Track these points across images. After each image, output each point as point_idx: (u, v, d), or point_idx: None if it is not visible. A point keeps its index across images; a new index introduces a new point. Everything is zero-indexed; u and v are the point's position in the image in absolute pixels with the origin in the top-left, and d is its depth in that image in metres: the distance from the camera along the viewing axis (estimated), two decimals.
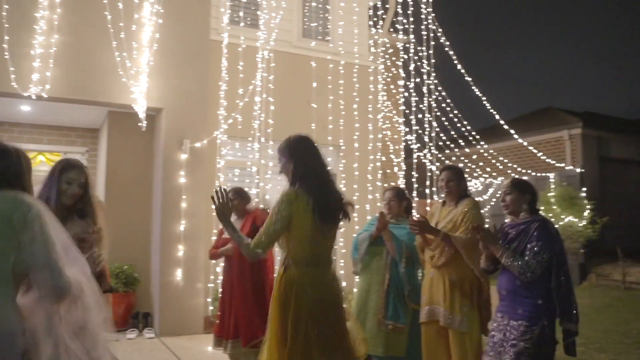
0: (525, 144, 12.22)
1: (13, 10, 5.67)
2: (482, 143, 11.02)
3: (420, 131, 8.47)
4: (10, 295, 1.85)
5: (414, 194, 7.98)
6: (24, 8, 5.74)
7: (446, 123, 9.44)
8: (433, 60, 8.30)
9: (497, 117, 10.24)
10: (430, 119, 8.39)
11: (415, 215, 4.11)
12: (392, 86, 9.87)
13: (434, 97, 8.38)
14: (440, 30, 8.43)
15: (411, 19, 8.39)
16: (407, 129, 9.12)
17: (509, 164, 12.41)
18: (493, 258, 3.23)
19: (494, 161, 12.60)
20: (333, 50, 8.35)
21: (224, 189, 2.75)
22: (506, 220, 3.40)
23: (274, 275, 4.36)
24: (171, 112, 6.47)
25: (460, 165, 9.43)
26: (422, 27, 8.27)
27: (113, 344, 2.30)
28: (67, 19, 5.96)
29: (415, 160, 8.38)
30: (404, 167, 9.40)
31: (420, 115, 8.48)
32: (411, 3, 8.30)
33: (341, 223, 2.99)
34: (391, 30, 9.85)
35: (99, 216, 2.99)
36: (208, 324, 6.33)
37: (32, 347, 1.84)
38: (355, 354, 2.84)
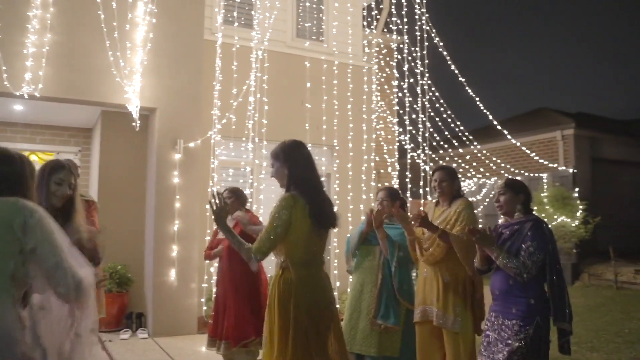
0: (518, 144, 12.28)
1: (6, 9, 5.64)
2: (475, 143, 11.06)
3: (414, 131, 8.50)
4: (10, 302, 1.83)
5: (408, 194, 7.99)
6: (16, 7, 5.71)
7: (440, 123, 9.48)
8: (427, 61, 8.32)
9: (491, 117, 10.29)
10: (424, 119, 8.41)
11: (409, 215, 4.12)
12: (386, 86, 9.90)
13: (427, 97, 8.40)
14: (434, 30, 8.46)
15: (405, 19, 8.42)
16: (401, 129, 9.16)
17: (502, 165, 12.47)
18: (487, 258, 3.24)
19: (487, 161, 12.66)
20: (327, 50, 8.36)
21: (220, 193, 2.78)
22: (500, 221, 3.41)
23: (266, 274, 4.37)
24: (165, 112, 6.45)
25: (454, 165, 9.47)
26: (416, 27, 8.29)
27: (106, 345, 2.30)
28: (60, 18, 5.93)
29: (409, 161, 8.40)
30: (397, 167, 9.43)
31: (414, 116, 8.51)
32: (405, 3, 8.32)
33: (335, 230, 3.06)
34: (385, 30, 9.87)
35: (95, 218, 2.98)
36: (202, 324, 6.32)
37: (31, 355, 1.83)
38: (347, 352, 2.92)
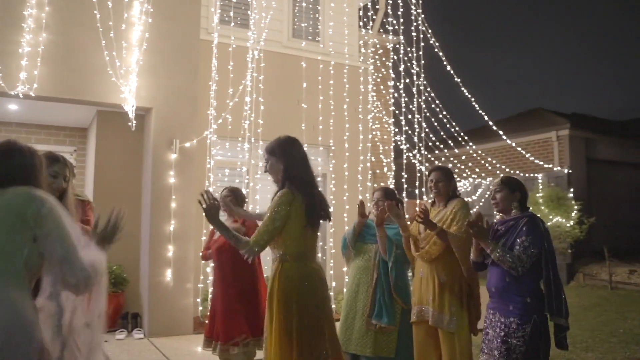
0: (513, 144, 12.32)
1: (0, 7, 5.62)
2: (470, 144, 11.09)
3: (409, 132, 8.51)
4: (26, 289, 1.86)
5: (404, 194, 8.00)
6: (12, 6, 5.69)
7: (435, 124, 9.50)
8: (423, 62, 8.34)
9: (486, 118, 10.32)
10: (420, 119, 8.43)
11: (406, 216, 4.13)
12: (381, 87, 9.91)
13: (423, 97, 8.42)
14: (429, 31, 8.48)
15: (401, 20, 8.43)
16: (397, 130, 9.17)
17: (498, 165, 12.50)
18: (482, 250, 3.27)
19: (482, 162, 12.69)
20: (323, 50, 8.36)
21: (208, 192, 2.84)
22: (497, 217, 3.43)
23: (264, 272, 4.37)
24: (161, 111, 6.44)
25: (450, 165, 9.50)
26: (412, 27, 8.31)
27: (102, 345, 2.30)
28: (56, 18, 5.91)
29: (404, 161, 8.41)
30: (393, 167, 9.45)
31: (409, 116, 8.52)
32: (401, 4, 8.33)
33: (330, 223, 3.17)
34: (381, 30, 9.88)
35: (91, 217, 2.96)
36: (197, 324, 6.32)
37: (51, 344, 1.85)
38: (339, 341, 3.05)
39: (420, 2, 8.36)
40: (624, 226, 13.01)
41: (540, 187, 11.55)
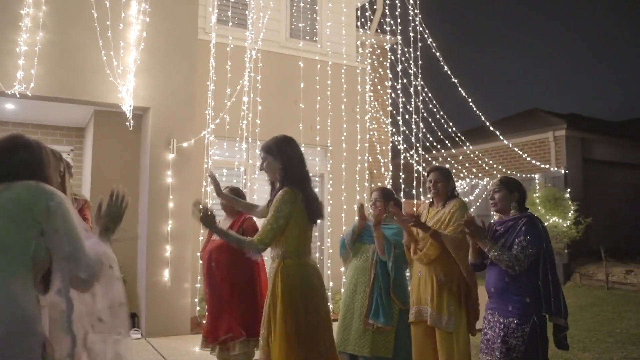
0: (510, 145, 12.34)
1: None
2: (467, 144, 11.11)
3: (407, 132, 8.52)
4: (30, 282, 1.85)
5: (402, 194, 8.01)
6: (9, 5, 5.67)
7: (433, 124, 9.51)
8: (420, 62, 8.35)
9: (483, 118, 10.34)
10: (417, 119, 8.44)
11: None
12: (379, 87, 9.92)
13: (421, 98, 8.43)
14: (427, 31, 8.49)
15: (398, 20, 8.44)
16: (394, 130, 9.18)
17: (495, 165, 12.52)
18: (480, 251, 3.27)
19: (479, 162, 12.71)
20: (321, 50, 8.36)
21: (211, 173, 3.01)
22: (495, 218, 3.44)
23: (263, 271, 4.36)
24: (158, 111, 6.43)
25: (447, 166, 9.51)
26: (410, 28, 8.32)
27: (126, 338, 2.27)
28: (53, 17, 5.90)
29: (402, 161, 8.42)
30: (391, 167, 9.45)
31: (407, 116, 8.53)
32: (398, 4, 8.34)
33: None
34: (378, 31, 9.89)
35: (88, 217, 2.95)
36: (195, 324, 6.31)
37: (49, 339, 1.84)
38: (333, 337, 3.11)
39: (418, 2, 8.38)
40: (621, 226, 13.04)
41: (537, 187, 11.57)
